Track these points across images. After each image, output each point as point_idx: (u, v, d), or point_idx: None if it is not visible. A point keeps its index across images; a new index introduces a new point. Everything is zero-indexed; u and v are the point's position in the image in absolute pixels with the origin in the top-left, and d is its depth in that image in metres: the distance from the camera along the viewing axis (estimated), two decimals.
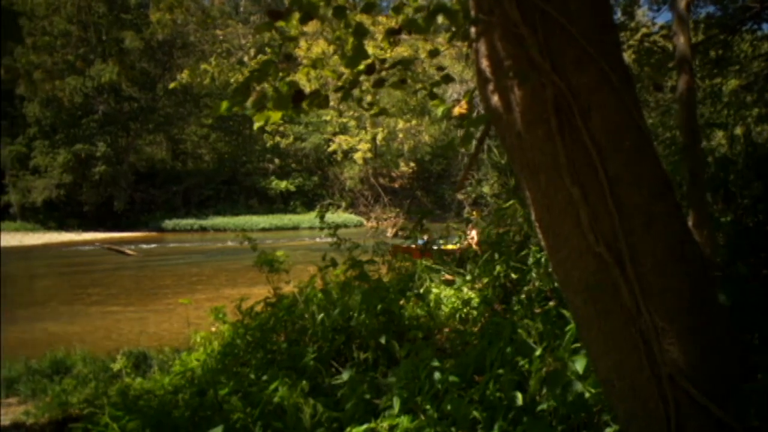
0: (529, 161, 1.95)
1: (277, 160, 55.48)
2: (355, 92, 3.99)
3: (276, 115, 4.32)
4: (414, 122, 49.59)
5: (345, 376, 4.00)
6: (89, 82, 46.39)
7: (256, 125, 4.52)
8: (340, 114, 51.84)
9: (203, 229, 47.97)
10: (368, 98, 4.90)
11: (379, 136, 50.29)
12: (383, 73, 3.66)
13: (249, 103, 4.58)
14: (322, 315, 4.90)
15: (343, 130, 52.31)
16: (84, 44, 47.02)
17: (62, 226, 47.31)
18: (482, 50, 1.95)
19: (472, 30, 1.98)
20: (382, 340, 4.39)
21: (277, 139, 53.46)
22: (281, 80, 4.20)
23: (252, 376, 4.27)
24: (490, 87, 1.94)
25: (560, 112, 1.86)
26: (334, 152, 52.08)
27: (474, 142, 3.12)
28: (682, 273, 1.98)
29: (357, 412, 3.59)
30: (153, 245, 37.21)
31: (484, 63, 1.94)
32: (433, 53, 3.74)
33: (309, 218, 45.79)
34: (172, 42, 49.60)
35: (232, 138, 56.09)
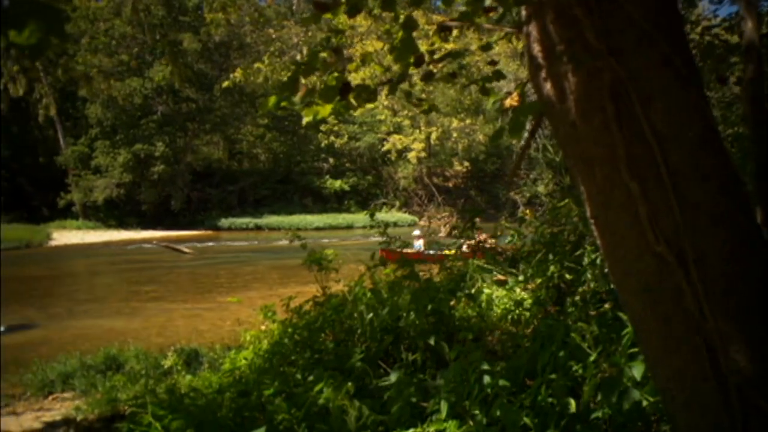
0: (583, 153, 1.81)
1: (331, 160, 55.79)
2: (404, 86, 3.89)
3: (324, 110, 4.24)
4: (468, 121, 49.32)
5: (392, 377, 3.90)
6: (149, 84, 47.36)
7: (305, 120, 4.44)
8: (395, 113, 51.86)
9: (258, 227, 48.45)
10: (417, 91, 4.80)
11: (433, 136, 50.15)
12: (432, 67, 3.55)
13: (297, 98, 4.52)
14: (370, 315, 4.81)
15: (398, 129, 52.32)
16: (143, 46, 47.98)
17: (122, 225, 48.38)
18: (533, 34, 1.82)
19: (523, 12, 1.86)
20: (431, 341, 4.27)
21: (332, 138, 53.88)
22: (329, 74, 4.13)
23: (298, 376, 4.20)
24: (542, 74, 1.81)
25: (618, 100, 1.71)
26: (389, 151, 52.14)
27: (525, 134, 2.99)
28: (750, 275, 1.82)
29: (403, 416, 3.49)
30: (209, 243, 37.73)
31: (536, 48, 1.82)
32: (486, 47, 3.62)
33: (363, 217, 45.82)
34: (229, 43, 50.24)
35: (287, 138, 56.58)
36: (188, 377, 5.84)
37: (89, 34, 43.59)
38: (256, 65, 11.08)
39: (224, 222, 49.98)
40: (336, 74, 4.07)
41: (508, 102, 3.42)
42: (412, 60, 3.55)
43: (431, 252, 22.78)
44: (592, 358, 3.18)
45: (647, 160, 1.72)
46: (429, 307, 4.64)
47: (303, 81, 4.79)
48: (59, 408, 6.77)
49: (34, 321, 15.30)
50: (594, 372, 3.09)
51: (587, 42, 1.70)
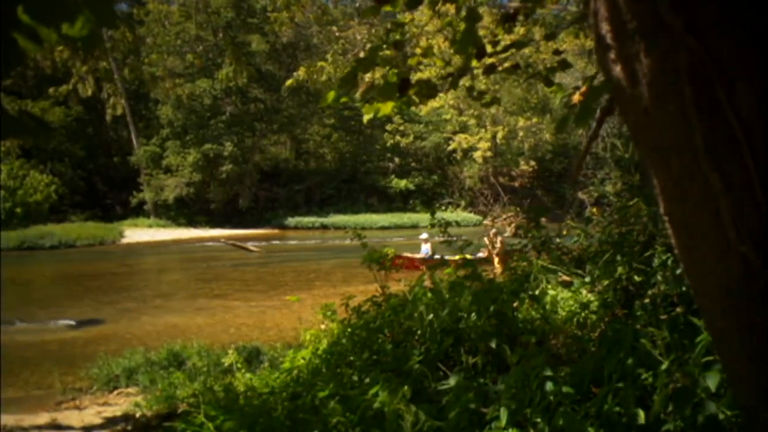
0: (657, 143, 1.63)
1: (397, 159, 55.77)
2: (466, 81, 3.75)
3: (385, 107, 4.12)
4: (535, 120, 48.64)
5: (452, 381, 3.75)
6: (218, 85, 48.14)
7: (366, 117, 4.36)
8: (460, 112, 51.53)
9: (324, 227, 48.74)
10: (483, 85, 4.63)
11: (499, 135, 49.63)
12: (495, 59, 3.40)
13: (357, 95, 4.42)
14: (430, 316, 4.68)
15: (463, 128, 51.99)
16: (213, 48, 48.79)
17: (191, 223, 49.32)
18: (602, 11, 1.65)
19: None
20: (493, 344, 4.11)
21: (398, 138, 53.87)
22: (390, 69, 4.01)
23: (355, 378, 4.10)
24: (612, 55, 1.64)
25: (697, 83, 1.53)
26: (454, 151, 51.83)
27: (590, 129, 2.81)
28: None
29: (461, 422, 3.34)
30: (275, 242, 38.13)
31: (605, 27, 1.65)
32: (550, 36, 3.45)
33: (428, 217, 45.43)
34: (296, 44, 50.74)
35: (353, 137, 56.84)
36: (247, 375, 5.80)
37: (161, 36, 44.54)
38: (320, 63, 11.03)
39: (290, 221, 50.45)
40: (395, 70, 3.96)
41: (575, 97, 3.24)
42: (473, 52, 3.41)
43: (445, 257, 22.39)
44: (663, 366, 2.98)
45: (730, 150, 1.54)
46: (491, 308, 4.47)
47: (363, 77, 4.69)
48: (122, 403, 6.84)
49: (104, 316, 15.65)
50: (665, 381, 2.88)
51: (662, 18, 1.52)
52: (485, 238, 21.84)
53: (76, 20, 2.56)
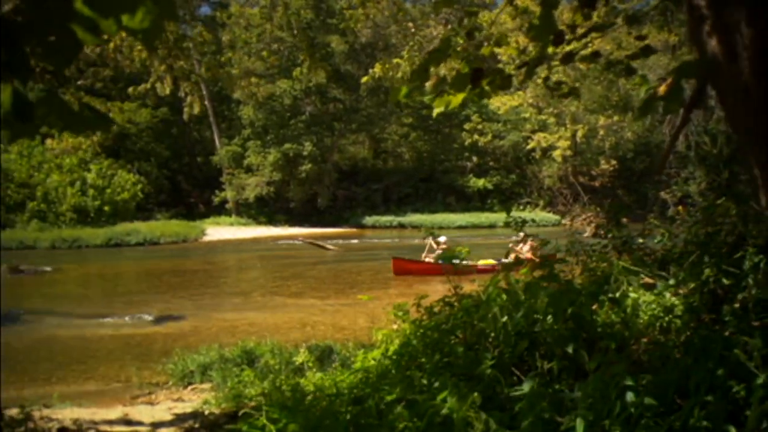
0: (758, 126, 1.43)
1: (475, 158, 55.34)
2: (542, 71, 3.56)
3: (456, 99, 3.96)
4: (616, 118, 47.43)
5: (525, 387, 3.56)
6: (297, 85, 48.73)
7: (435, 111, 4.21)
8: (539, 111, 50.73)
9: (401, 225, 48.72)
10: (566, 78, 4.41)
11: (579, 133, 48.65)
12: (573, 46, 3.20)
13: (428, 87, 4.26)
14: (504, 318, 4.48)
15: (542, 127, 51.21)
16: (293, 49, 49.40)
17: (271, 221, 50.08)
18: None
19: None
20: (570, 349, 3.89)
21: (476, 137, 53.44)
22: (462, 60, 3.85)
23: (424, 381, 3.94)
24: (706, 27, 1.45)
25: None
26: (533, 150, 51.13)
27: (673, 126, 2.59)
28: None
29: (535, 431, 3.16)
30: (353, 241, 38.29)
31: None
32: (632, 19, 3.23)
33: (506, 217, 45.04)
34: (375, 44, 50.91)
35: (431, 136, 56.71)
36: (318, 375, 5.73)
37: (243, 39, 45.35)
38: (396, 60, 10.91)
39: (368, 220, 50.66)
40: (467, 60, 3.79)
41: (662, 89, 3.00)
42: (550, 39, 3.21)
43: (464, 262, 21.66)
44: (759, 381, 2.72)
45: None
46: (569, 311, 4.25)
47: (435, 71, 4.53)
48: (195, 399, 6.88)
49: (184, 312, 15.94)
50: (761, 396, 2.63)
51: None
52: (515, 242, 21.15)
53: (136, 11, 2.49)
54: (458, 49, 3.80)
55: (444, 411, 3.38)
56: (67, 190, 43.99)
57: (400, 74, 10.91)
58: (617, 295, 4.63)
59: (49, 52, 2.31)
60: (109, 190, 45.70)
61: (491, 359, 4.06)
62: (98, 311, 16.24)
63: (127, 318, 15.14)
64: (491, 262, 20.73)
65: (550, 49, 3.22)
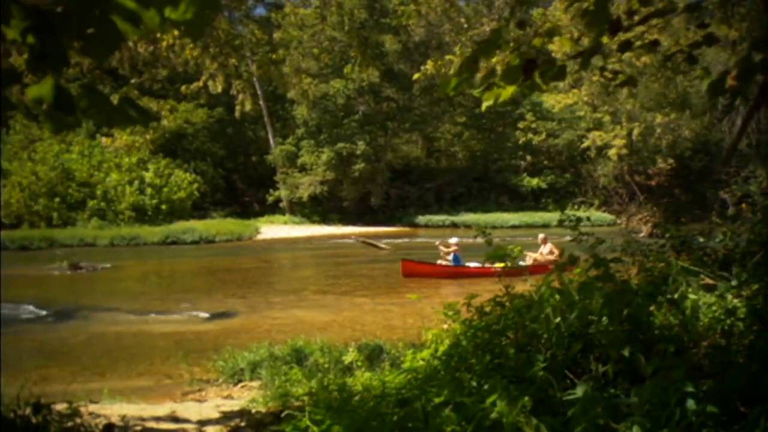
0: None
1: (529, 157, 54.80)
2: (597, 60, 3.41)
3: (506, 92, 3.83)
4: (673, 116, 46.37)
5: (579, 391, 3.42)
6: (351, 85, 48.89)
7: (484, 104, 4.09)
8: (595, 109, 49.95)
9: (454, 225, 48.47)
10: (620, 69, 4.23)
11: (636, 131, 47.67)
12: (631, 34, 3.06)
13: (478, 79, 4.15)
14: (557, 318, 4.33)
15: (598, 125, 50.41)
16: (347, 49, 49.58)
17: (324, 220, 50.39)
18: None
19: None
20: (626, 352, 3.73)
21: (530, 135, 52.88)
22: (513, 52, 3.72)
23: (473, 383, 3.83)
24: None
25: None
26: (588, 148, 50.39)
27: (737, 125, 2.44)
28: None
29: None
30: (405, 240, 38.22)
31: None
32: (692, 7, 3.06)
33: (560, 215, 44.46)
34: (428, 43, 50.75)
35: (484, 135, 56.42)
36: (366, 375, 5.66)
37: (297, 39, 45.66)
38: (448, 57, 10.78)
39: (421, 219, 50.52)
40: (518, 52, 3.66)
41: (730, 79, 2.84)
42: (605, 27, 3.08)
43: (474, 265, 20.78)
44: None
45: None
46: (624, 312, 4.09)
47: (484, 64, 4.41)
48: (245, 397, 6.87)
49: (237, 309, 16.08)
50: None
51: None
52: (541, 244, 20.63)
53: (179, 3, 2.45)
54: (509, 40, 3.67)
55: (493, 415, 3.26)
56: (126, 189, 44.95)
57: (452, 71, 10.77)
58: (676, 296, 4.44)
59: (89, 45, 2.28)
60: (166, 189, 46.56)
61: (543, 361, 3.92)
62: (153, 308, 16.50)
63: (180, 315, 15.36)
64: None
65: (606, 39, 3.08)
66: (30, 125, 47.69)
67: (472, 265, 20.50)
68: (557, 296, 4.70)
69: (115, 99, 2.53)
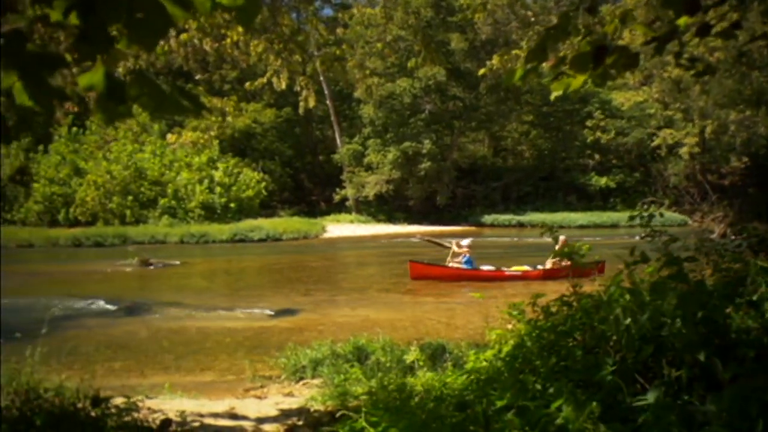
0: None
1: (597, 156, 53.78)
2: (672, 46, 3.21)
3: (576, 81, 3.65)
4: (748, 113, 44.81)
5: (650, 397, 3.23)
6: (417, 84, 48.82)
7: (553, 94, 3.92)
8: (666, 106, 48.72)
9: (521, 224, 48.02)
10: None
11: (708, 129, 46.25)
12: (711, 15, 2.86)
13: (546, 68, 3.98)
14: (627, 320, 4.12)
15: (668, 123, 49.15)
16: (413, 48, 49.56)
17: (390, 219, 50.56)
18: None
19: None
20: (701, 357, 3.51)
21: (598, 134, 51.90)
22: (584, 38, 3.55)
23: (538, 386, 3.66)
24: None
25: None
26: (658, 147, 49.23)
27: None
28: None
29: None
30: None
31: None
32: None
33: (629, 214, 43.57)
34: (495, 41, 50.31)
35: (551, 134, 55.73)
36: (428, 375, 5.54)
37: (364, 39, 45.82)
38: (514, 52, 10.57)
39: (487, 218, 50.19)
40: (589, 39, 3.48)
41: None
42: (681, 8, 2.88)
43: (488, 268, 20.16)
44: None
45: None
46: (699, 314, 3.85)
47: (553, 50, 4.22)
48: (306, 395, 6.82)
49: (301, 306, 16.15)
50: None
51: None
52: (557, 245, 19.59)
53: None
54: (579, 27, 3.49)
55: (558, 421, 3.09)
56: (196, 188, 45.86)
57: (519, 65, 10.54)
58: (755, 297, 4.18)
59: (137, 30, 2.22)
60: (234, 188, 47.32)
61: (612, 365, 3.72)
62: (219, 304, 16.71)
63: (245, 311, 15.50)
64: (523, 268, 19.80)
65: (683, 21, 2.88)
66: (105, 125, 49.20)
67: (486, 268, 20.09)
68: (627, 296, 4.48)
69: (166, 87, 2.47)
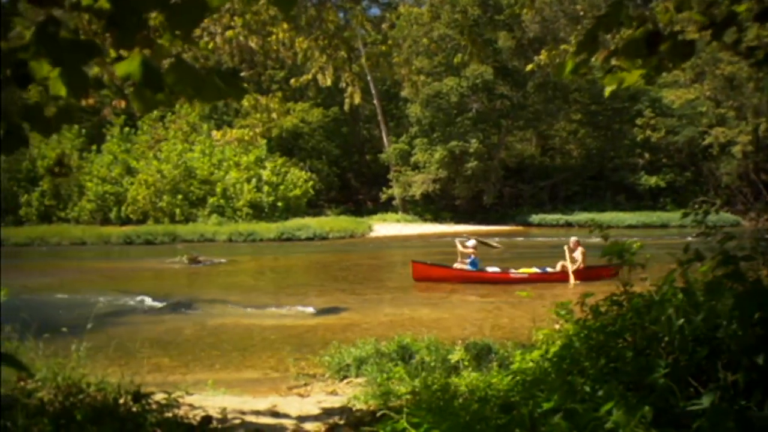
0: None
1: (647, 155, 52.78)
2: (730, 34, 3.06)
3: (631, 77, 3.51)
4: None
5: (705, 401, 3.09)
6: (464, 82, 48.57)
7: (607, 90, 3.80)
8: (718, 104, 47.63)
9: (568, 224, 47.44)
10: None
11: (762, 127, 45.07)
12: None
13: (597, 61, 3.85)
14: (680, 320, 3.96)
15: (721, 121, 48.00)
16: (460, 47, 49.31)
17: (437, 218, 50.50)
18: None
19: None
20: (759, 360, 3.35)
21: (648, 132, 50.96)
22: (636, 29, 3.41)
23: (586, 388, 3.53)
24: None
25: None
26: (710, 146, 48.13)
27: None
28: None
29: None
30: (518, 239, 37.60)
31: None
32: None
33: (679, 216, 42.70)
34: (542, 39, 49.77)
35: (600, 133, 54.90)
36: (473, 375, 5.43)
37: (412, 37, 45.73)
38: (563, 47, 10.37)
39: (534, 218, 49.76)
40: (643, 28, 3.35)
41: None
42: None
43: (494, 270, 19.72)
44: None
45: None
46: (756, 315, 3.68)
47: (605, 40, 4.08)
48: (350, 393, 6.76)
49: (346, 305, 16.15)
50: None
51: None
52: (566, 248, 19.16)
53: None
54: (632, 16, 3.35)
55: (609, 425, 2.96)
56: (244, 187, 46.31)
57: (569, 59, 10.32)
58: None
59: (172, 15, 2.17)
60: (282, 187, 47.67)
61: (665, 367, 3.58)
62: (265, 301, 16.82)
63: (291, 309, 15.55)
64: (530, 271, 19.33)
65: (742, 7, 2.74)
66: (156, 125, 50.06)
67: (491, 270, 19.74)
68: (680, 296, 4.32)
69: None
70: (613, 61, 3.53)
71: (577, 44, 3.76)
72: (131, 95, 2.40)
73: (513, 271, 19.44)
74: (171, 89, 2.31)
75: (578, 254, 18.81)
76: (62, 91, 2.14)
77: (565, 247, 19.08)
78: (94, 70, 2.93)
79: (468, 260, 19.75)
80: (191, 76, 2.28)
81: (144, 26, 2.01)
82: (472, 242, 20.42)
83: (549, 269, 19.25)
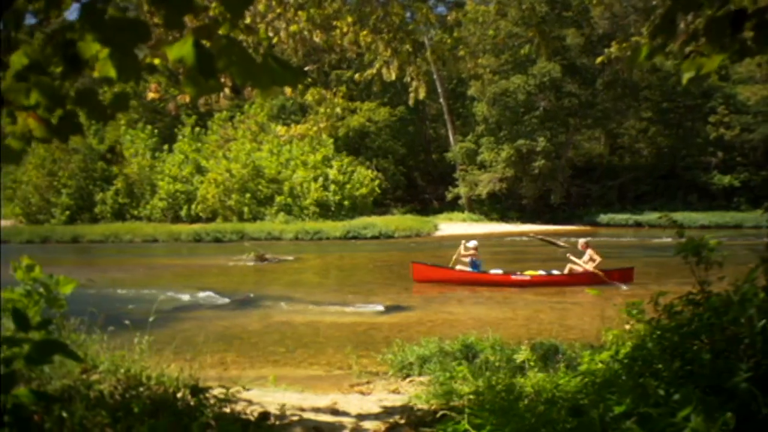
0: None
1: (720, 154, 51.06)
2: None
3: (712, 62, 3.27)
4: None
5: None
6: (531, 81, 47.94)
7: (685, 77, 3.56)
8: None
9: (638, 224, 46.39)
10: None
11: None
12: None
13: (675, 46, 3.62)
14: (762, 321, 3.72)
15: None
16: (527, 44, 48.70)
17: (503, 218, 50.13)
18: None
19: None
20: None
21: (722, 130, 49.29)
22: (718, 11, 3.17)
23: (661, 392, 3.32)
24: None
25: None
26: None
27: None
28: None
29: None
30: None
31: None
32: None
33: (754, 216, 41.33)
34: (612, 35, 48.73)
35: (671, 131, 53.46)
36: (539, 375, 5.25)
37: (477, 37, 45.33)
38: (634, 39, 10.03)
39: (603, 218, 48.84)
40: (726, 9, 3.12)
41: None
42: None
43: (496, 272, 19.08)
44: None
45: None
46: None
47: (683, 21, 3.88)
48: (412, 392, 6.64)
49: (411, 303, 16.07)
50: None
51: None
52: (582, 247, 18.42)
53: None
54: None
55: (686, 431, 2.77)
56: (311, 186, 46.69)
57: (643, 54, 9.97)
58: None
59: None
60: (348, 186, 47.90)
61: (746, 371, 3.35)
62: (330, 299, 16.88)
63: (356, 307, 15.56)
64: (534, 273, 18.66)
65: None
66: (225, 125, 50.93)
67: (494, 272, 19.24)
68: (762, 295, 4.06)
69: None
70: (691, 47, 3.31)
71: (653, 28, 3.55)
72: (183, 80, 2.32)
73: (518, 272, 19.00)
74: (222, 72, 2.23)
75: (587, 256, 18.42)
76: (112, 73, 2.07)
77: (570, 257, 18.76)
78: (145, 55, 2.88)
79: (468, 261, 19.43)
80: (243, 58, 2.19)
81: (191, 5, 1.93)
82: (472, 243, 20.07)
83: (555, 272, 18.85)
